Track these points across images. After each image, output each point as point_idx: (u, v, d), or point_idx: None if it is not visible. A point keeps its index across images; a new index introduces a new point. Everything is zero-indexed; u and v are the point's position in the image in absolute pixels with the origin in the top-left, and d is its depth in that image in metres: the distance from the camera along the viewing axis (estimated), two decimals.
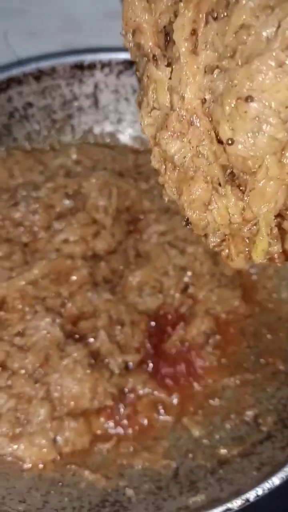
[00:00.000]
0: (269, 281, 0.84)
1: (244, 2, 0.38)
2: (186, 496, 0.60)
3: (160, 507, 0.60)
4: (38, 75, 0.92)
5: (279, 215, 0.44)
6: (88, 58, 0.93)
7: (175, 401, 0.74)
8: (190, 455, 0.67)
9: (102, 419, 0.71)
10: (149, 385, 0.74)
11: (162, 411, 0.73)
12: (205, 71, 0.43)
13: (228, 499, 0.55)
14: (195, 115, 0.44)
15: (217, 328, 0.79)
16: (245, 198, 0.44)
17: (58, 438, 0.68)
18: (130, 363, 0.75)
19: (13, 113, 0.92)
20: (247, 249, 0.47)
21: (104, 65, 0.94)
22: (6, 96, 0.91)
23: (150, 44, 0.46)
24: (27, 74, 0.91)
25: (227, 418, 0.71)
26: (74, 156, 0.90)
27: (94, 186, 0.83)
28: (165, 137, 0.45)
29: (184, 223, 0.47)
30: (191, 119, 0.44)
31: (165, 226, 0.84)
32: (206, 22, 0.42)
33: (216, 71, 0.42)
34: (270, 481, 0.58)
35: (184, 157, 0.45)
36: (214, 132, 0.44)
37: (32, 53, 1.02)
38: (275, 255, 0.46)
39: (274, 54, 0.38)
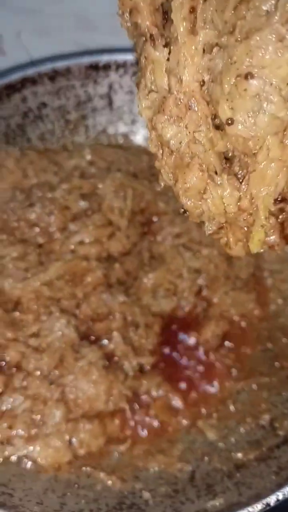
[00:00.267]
0: (284, 284, 0.83)
1: None
2: (204, 499, 0.60)
3: (178, 510, 0.60)
4: (53, 75, 0.92)
5: (283, 200, 0.43)
6: (103, 58, 0.93)
7: (189, 404, 0.74)
8: (206, 459, 0.67)
9: (116, 421, 0.71)
10: (163, 387, 0.74)
11: (176, 413, 0.73)
12: (204, 51, 0.41)
13: (248, 503, 0.55)
14: (193, 98, 0.43)
15: (232, 331, 0.79)
16: (243, 187, 0.43)
17: (73, 440, 0.68)
18: (146, 366, 0.74)
19: (27, 113, 0.92)
20: (245, 238, 0.46)
21: (119, 66, 0.93)
22: (20, 96, 0.91)
23: (147, 23, 0.44)
24: (42, 74, 0.91)
25: (242, 422, 0.71)
26: (88, 157, 0.90)
27: (110, 188, 0.83)
28: (162, 121, 0.44)
29: (182, 210, 0.46)
30: (189, 102, 0.43)
31: (180, 228, 0.84)
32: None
33: (215, 49, 0.41)
34: None
35: (180, 142, 0.44)
36: (212, 117, 0.42)
37: (45, 52, 1.02)
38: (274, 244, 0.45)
39: (274, 28, 0.37)
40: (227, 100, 0.40)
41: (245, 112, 0.39)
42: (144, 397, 0.73)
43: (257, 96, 0.39)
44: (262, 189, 0.42)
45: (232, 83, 0.39)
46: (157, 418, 0.73)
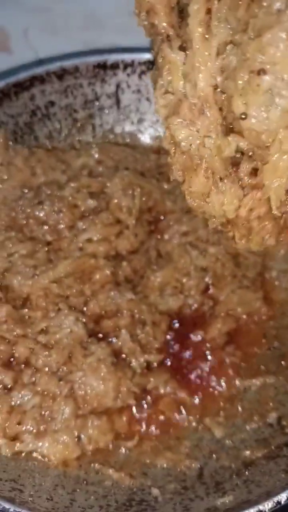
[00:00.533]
0: None
1: None
2: (213, 497, 0.61)
3: (188, 508, 0.60)
4: (61, 74, 0.92)
5: None
6: (111, 57, 0.93)
7: (196, 401, 0.74)
8: (214, 456, 0.68)
9: (124, 418, 0.72)
10: (170, 384, 0.74)
11: (183, 411, 0.74)
12: (217, 53, 0.43)
13: (258, 501, 0.55)
14: (206, 103, 0.44)
15: (238, 329, 0.79)
16: (245, 192, 0.45)
17: (82, 436, 0.69)
18: (153, 363, 0.75)
19: (35, 112, 0.93)
20: (249, 234, 0.48)
21: (126, 65, 0.94)
22: (29, 95, 0.91)
23: (164, 24, 0.46)
24: (50, 72, 0.92)
25: (249, 420, 0.71)
26: (96, 156, 0.90)
27: (118, 186, 0.83)
28: (175, 123, 0.46)
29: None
30: (202, 107, 0.44)
31: (187, 226, 0.85)
32: None
33: (229, 47, 0.42)
34: None
35: (191, 144, 0.46)
36: (223, 121, 0.44)
37: (52, 51, 1.02)
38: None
39: (284, 26, 0.38)
40: (240, 95, 0.41)
41: (258, 106, 0.41)
42: (151, 394, 0.74)
43: (269, 91, 0.40)
44: (274, 181, 0.44)
45: (245, 79, 0.41)
46: (164, 415, 0.73)
